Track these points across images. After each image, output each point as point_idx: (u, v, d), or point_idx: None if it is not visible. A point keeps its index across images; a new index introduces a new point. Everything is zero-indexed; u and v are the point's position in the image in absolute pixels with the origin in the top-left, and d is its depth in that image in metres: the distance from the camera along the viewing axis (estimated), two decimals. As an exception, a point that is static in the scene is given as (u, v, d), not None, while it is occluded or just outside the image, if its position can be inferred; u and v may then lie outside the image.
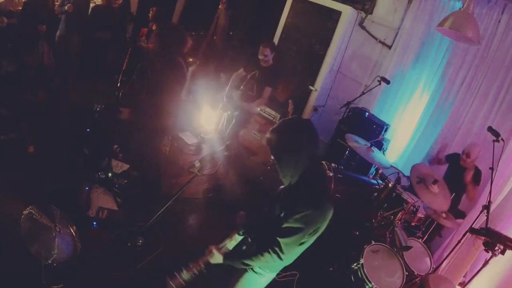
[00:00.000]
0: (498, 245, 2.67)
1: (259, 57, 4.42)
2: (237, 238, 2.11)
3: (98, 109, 3.55)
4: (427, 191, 3.26)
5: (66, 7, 5.11)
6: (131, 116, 3.28)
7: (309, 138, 1.93)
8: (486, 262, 2.78)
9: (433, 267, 3.26)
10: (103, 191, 3.46)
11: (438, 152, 4.26)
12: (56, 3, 5.43)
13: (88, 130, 3.78)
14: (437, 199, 3.26)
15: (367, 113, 4.79)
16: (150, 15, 6.12)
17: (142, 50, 5.92)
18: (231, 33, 6.55)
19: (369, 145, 3.93)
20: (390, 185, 3.64)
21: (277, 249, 1.78)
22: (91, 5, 5.97)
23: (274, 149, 1.88)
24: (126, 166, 3.90)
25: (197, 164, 2.50)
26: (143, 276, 2.80)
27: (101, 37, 6.07)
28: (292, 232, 1.76)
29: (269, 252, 1.80)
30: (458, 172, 3.91)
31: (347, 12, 5.12)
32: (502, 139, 3.10)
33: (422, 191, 3.23)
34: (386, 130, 4.69)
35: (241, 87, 4.63)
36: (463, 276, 3.27)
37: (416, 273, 3.14)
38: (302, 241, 1.84)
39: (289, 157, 1.85)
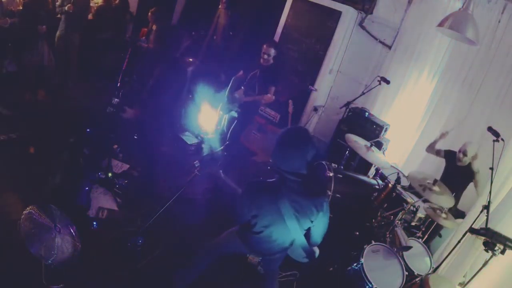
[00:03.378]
0: (498, 245, 2.67)
1: (263, 56, 4.40)
2: None
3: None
4: (432, 192, 3.36)
5: (66, 7, 5.10)
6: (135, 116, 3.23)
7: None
8: (486, 262, 2.78)
9: (433, 267, 3.26)
10: (103, 191, 3.46)
11: (437, 142, 4.20)
12: (56, 3, 5.43)
13: (88, 130, 3.78)
14: (442, 196, 3.39)
15: (367, 113, 4.79)
16: (149, 15, 6.12)
17: (142, 50, 5.93)
18: (231, 33, 6.54)
19: (369, 145, 3.93)
20: (390, 185, 3.65)
21: None
22: (92, 5, 5.98)
23: None
24: (126, 166, 3.90)
25: (197, 164, 2.50)
26: (143, 276, 2.80)
27: (103, 38, 6.08)
28: None
29: None
30: (455, 172, 3.91)
31: (347, 12, 5.12)
32: (502, 139, 3.10)
33: (428, 194, 3.34)
34: (386, 130, 4.69)
35: (242, 87, 4.63)
36: (463, 276, 3.27)
37: (416, 273, 3.14)
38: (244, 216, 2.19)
39: None
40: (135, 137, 3.86)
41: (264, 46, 4.39)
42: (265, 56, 4.38)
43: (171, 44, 3.08)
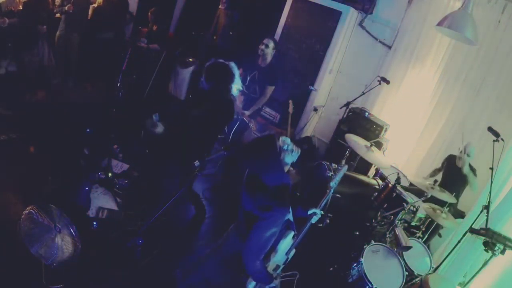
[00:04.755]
0: (498, 245, 2.67)
1: (261, 47, 4.32)
2: None
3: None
4: (434, 190, 3.47)
5: (66, 7, 5.11)
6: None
7: None
8: (486, 262, 2.78)
9: (433, 267, 3.26)
10: (103, 191, 3.46)
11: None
12: (56, 3, 5.43)
13: (88, 130, 3.78)
14: (444, 194, 3.49)
15: (367, 113, 4.79)
16: (149, 15, 6.13)
17: (142, 50, 5.93)
18: (231, 33, 6.54)
19: (369, 145, 3.93)
20: (390, 185, 3.64)
21: None
22: (92, 5, 5.98)
23: None
24: (126, 166, 3.90)
25: (197, 164, 2.49)
26: (143, 276, 2.80)
27: (103, 38, 6.08)
28: None
29: None
30: (454, 172, 3.92)
31: (347, 12, 5.12)
32: (502, 139, 3.10)
33: (432, 191, 3.46)
34: (386, 130, 4.69)
35: (244, 89, 4.62)
36: (463, 276, 3.27)
37: (416, 273, 3.14)
38: None
39: None
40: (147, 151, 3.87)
41: (264, 39, 4.34)
42: (262, 46, 4.29)
43: (223, 82, 3.07)
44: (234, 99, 3.21)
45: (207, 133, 3.10)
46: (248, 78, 4.55)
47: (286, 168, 2.21)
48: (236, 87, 3.13)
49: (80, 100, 5.56)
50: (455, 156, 3.96)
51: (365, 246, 3.15)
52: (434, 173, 4.29)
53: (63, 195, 3.17)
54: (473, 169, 3.83)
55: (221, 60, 3.08)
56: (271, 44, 4.30)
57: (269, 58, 4.38)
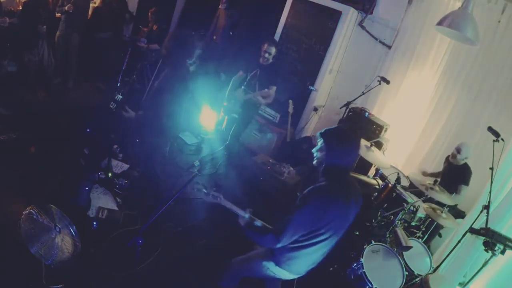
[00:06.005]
0: (498, 245, 2.67)
1: (264, 55, 4.37)
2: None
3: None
4: (434, 191, 3.44)
5: (66, 7, 5.10)
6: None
7: None
8: (486, 262, 2.78)
9: (433, 267, 3.26)
10: (103, 191, 3.47)
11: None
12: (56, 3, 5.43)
13: (88, 130, 3.78)
14: (443, 195, 3.46)
15: (367, 113, 4.79)
16: (149, 15, 6.13)
17: (142, 50, 5.93)
18: (231, 33, 6.54)
19: (369, 145, 3.93)
20: (390, 185, 3.64)
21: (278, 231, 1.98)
22: (92, 5, 5.98)
23: None
24: (126, 166, 3.90)
25: (197, 164, 2.49)
26: (143, 276, 2.80)
27: (102, 38, 6.08)
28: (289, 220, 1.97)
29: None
30: (452, 172, 3.92)
31: (347, 12, 5.12)
32: (502, 139, 3.10)
33: (430, 193, 3.43)
34: (386, 130, 4.69)
35: (243, 86, 4.62)
36: (463, 276, 3.27)
37: (416, 273, 3.14)
38: (301, 232, 2.01)
39: None
40: (137, 140, 3.89)
41: (265, 45, 4.37)
42: (266, 55, 4.36)
43: (187, 50, 3.13)
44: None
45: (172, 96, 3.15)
46: (249, 76, 4.56)
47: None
48: (195, 55, 3.22)
49: (80, 100, 5.56)
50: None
51: (365, 246, 3.15)
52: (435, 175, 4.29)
53: (63, 195, 3.18)
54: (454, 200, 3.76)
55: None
56: (273, 50, 4.37)
57: (271, 59, 4.43)
